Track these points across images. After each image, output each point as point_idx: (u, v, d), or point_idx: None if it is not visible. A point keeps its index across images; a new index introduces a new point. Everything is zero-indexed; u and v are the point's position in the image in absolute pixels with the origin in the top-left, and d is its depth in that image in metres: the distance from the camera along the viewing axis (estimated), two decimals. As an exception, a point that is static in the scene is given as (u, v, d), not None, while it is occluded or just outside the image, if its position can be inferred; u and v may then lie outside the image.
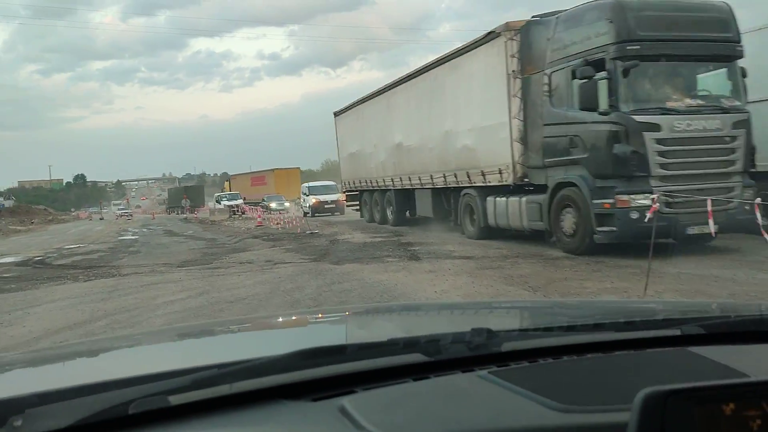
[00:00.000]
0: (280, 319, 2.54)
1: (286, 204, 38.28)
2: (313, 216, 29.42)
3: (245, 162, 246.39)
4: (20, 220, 53.13)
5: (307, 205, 34.05)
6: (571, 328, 1.43)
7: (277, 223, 24.07)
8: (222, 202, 41.11)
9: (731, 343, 1.31)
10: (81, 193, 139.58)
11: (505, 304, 3.10)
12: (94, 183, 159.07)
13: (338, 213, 31.32)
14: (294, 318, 2.51)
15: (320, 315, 2.63)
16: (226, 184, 63.18)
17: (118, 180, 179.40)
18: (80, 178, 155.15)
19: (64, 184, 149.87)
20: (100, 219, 58.84)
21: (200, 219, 39.60)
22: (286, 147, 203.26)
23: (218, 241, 18.66)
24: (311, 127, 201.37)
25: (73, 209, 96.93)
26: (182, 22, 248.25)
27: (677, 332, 1.35)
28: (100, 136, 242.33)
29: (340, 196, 32.40)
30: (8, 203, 78.41)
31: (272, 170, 50.95)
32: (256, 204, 40.22)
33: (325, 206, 32.97)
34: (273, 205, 37.18)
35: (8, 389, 1.09)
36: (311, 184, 37.04)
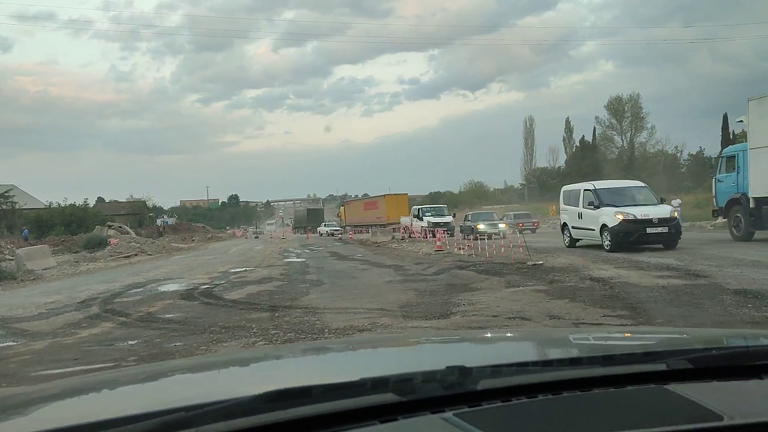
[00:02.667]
0: (252, 356, 2.37)
1: (501, 226, 30.28)
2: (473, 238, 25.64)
3: (384, 183, 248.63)
4: (182, 237, 54.00)
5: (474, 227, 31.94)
6: (546, 364, 1.47)
7: (461, 249, 20.17)
8: (425, 218, 35.68)
9: (716, 378, 1.28)
10: (234, 212, 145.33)
11: (479, 338, 2.58)
12: (246, 203, 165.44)
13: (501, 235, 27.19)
14: (265, 355, 2.34)
15: (293, 352, 2.43)
16: (342, 209, 68.31)
17: (268, 200, 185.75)
18: (234, 199, 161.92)
19: (220, 203, 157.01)
20: (255, 238, 58.82)
21: (360, 240, 36.89)
22: (422, 169, 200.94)
23: (410, 270, 15.01)
24: (449, 150, 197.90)
25: (228, 227, 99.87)
26: (327, 50, 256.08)
27: (659, 367, 1.30)
28: (251, 159, 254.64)
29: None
30: (171, 221, 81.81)
31: (383, 196, 54.86)
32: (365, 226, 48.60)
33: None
34: (481, 226, 29.00)
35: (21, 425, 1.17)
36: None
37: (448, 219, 35.75)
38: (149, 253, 32.02)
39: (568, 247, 18.86)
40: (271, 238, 54.34)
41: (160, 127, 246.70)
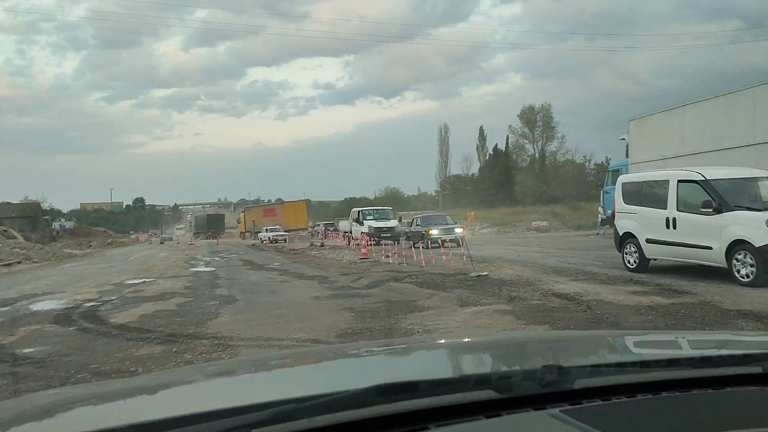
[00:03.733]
0: (352, 352, 2.23)
1: (458, 231, 25.31)
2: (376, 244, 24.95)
3: (298, 188, 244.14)
4: (78, 243, 49.42)
5: (361, 231, 29.99)
6: (645, 365, 1.43)
7: (388, 256, 18.49)
8: (365, 222, 32.04)
9: None
10: (140, 216, 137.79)
11: (575, 337, 2.73)
12: (153, 207, 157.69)
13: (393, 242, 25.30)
14: (365, 351, 2.21)
15: (390, 348, 2.35)
16: (241, 215, 68.43)
17: (176, 204, 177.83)
18: (139, 202, 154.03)
19: (124, 207, 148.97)
20: (161, 243, 55.07)
21: (275, 246, 34.57)
22: (337, 174, 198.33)
23: (337, 282, 13.13)
24: (364, 156, 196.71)
25: (132, 232, 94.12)
26: (241, 51, 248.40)
27: (758, 370, 1.27)
28: (159, 161, 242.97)
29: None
30: (69, 224, 75.97)
31: (282, 203, 56.84)
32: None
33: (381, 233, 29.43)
34: (435, 232, 24.63)
35: (96, 421, 1.16)
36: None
37: (393, 223, 31.68)
38: (35, 260, 28.49)
39: (632, 270, 11.69)
40: (178, 243, 51.03)
41: (60, 126, 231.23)
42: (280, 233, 43.69)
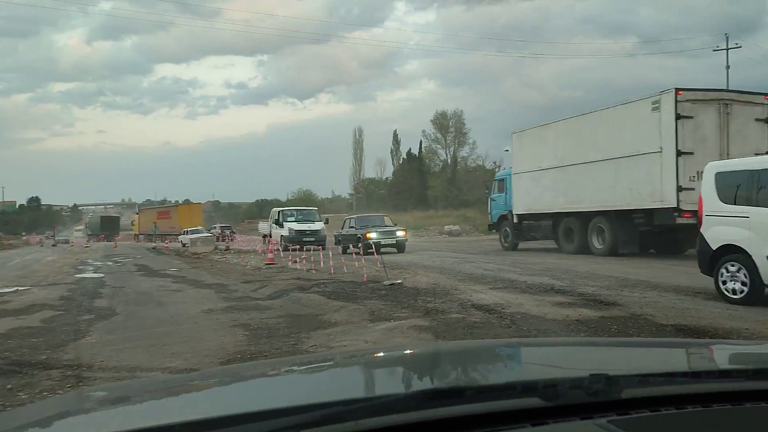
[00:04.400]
0: (397, 355, 2.21)
1: (401, 234, 22.59)
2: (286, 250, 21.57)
3: (208, 189, 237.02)
4: (-45, 245, 45.06)
5: (283, 235, 26.53)
6: (695, 375, 1.39)
7: (296, 262, 17.31)
8: (286, 224, 27.84)
9: None
10: (34, 217, 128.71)
11: (622, 344, 2.66)
12: (49, 206, 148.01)
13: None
14: (408, 354, 2.25)
15: (435, 352, 2.33)
16: (136, 217, 67.38)
17: (75, 204, 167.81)
18: (34, 201, 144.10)
19: (18, 206, 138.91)
20: (53, 246, 51.10)
21: (175, 250, 32.49)
22: (249, 176, 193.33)
23: (237, 291, 11.87)
24: (276, 157, 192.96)
25: (24, 233, 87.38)
26: (149, 47, 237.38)
27: None
28: (58, 158, 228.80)
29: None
30: (-50, 224, 69.69)
31: (176, 205, 58.21)
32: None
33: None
34: (374, 235, 21.66)
35: (147, 418, 1.17)
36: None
37: (319, 226, 27.35)
38: None
39: (735, 301, 7.87)
40: (72, 246, 47.45)
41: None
42: (204, 236, 39.59)
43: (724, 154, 14.10)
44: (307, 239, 24.87)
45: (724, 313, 7.19)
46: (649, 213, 15.15)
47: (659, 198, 14.55)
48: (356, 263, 14.16)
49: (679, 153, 14.08)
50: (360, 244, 19.35)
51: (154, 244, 42.80)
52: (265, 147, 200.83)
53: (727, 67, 36.79)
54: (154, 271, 18.84)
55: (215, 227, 47.55)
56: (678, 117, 14.11)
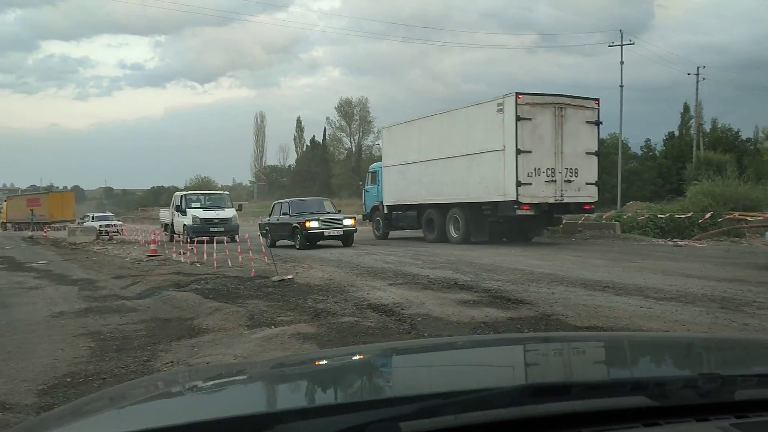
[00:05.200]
0: (496, 343, 2.19)
1: (348, 222, 18.17)
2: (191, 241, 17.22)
3: (100, 174, 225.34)
4: None
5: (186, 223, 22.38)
6: None
7: (182, 254, 15.76)
8: (189, 212, 23.11)
9: None
10: None
11: (733, 341, 2.51)
12: None
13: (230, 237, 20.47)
14: (510, 341, 2.30)
15: (532, 343, 2.16)
16: (4, 205, 63.62)
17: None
18: None
19: None
20: None
21: (55, 239, 29.70)
22: (145, 161, 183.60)
23: (104, 288, 10.37)
24: (174, 143, 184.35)
25: None
26: (34, 22, 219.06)
27: None
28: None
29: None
30: None
31: (47, 193, 54.44)
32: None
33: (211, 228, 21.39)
34: (314, 224, 17.38)
35: (258, 406, 1.18)
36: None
37: (230, 213, 23.45)
38: None
39: None
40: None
41: None
42: (113, 223, 34.85)
43: (559, 153, 15.79)
44: (216, 229, 21.37)
45: (640, 312, 6.61)
46: (495, 205, 16.28)
47: (502, 192, 15.74)
48: (250, 254, 12.81)
49: (518, 151, 15.34)
50: (298, 236, 17.25)
51: (30, 233, 39.16)
52: (162, 132, 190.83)
53: (621, 62, 37.95)
54: (19, 264, 16.76)
55: (87, 216, 43.02)
56: (518, 119, 15.32)
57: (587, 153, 16.25)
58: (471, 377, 1.43)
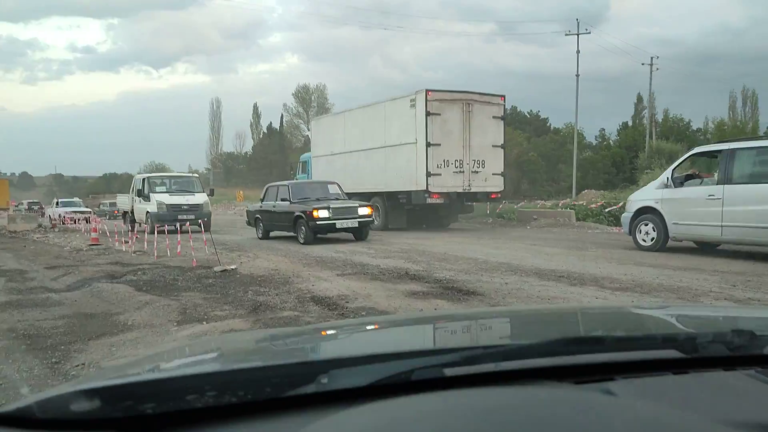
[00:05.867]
0: (533, 311, 2.46)
1: (364, 211, 14.89)
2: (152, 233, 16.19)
3: (49, 160, 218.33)
4: None
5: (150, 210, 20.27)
6: None
7: (126, 242, 15.01)
8: (154, 197, 20.48)
9: None
10: None
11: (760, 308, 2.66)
12: None
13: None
14: (546, 310, 2.46)
15: (569, 310, 2.45)
16: None
17: None
18: None
19: None
20: None
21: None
22: (97, 147, 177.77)
23: (34, 280, 9.66)
24: (128, 129, 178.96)
25: None
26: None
27: None
28: None
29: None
30: None
31: None
32: None
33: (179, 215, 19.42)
34: (323, 213, 14.29)
35: (313, 355, 1.29)
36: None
37: (200, 198, 20.84)
38: None
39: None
40: None
41: None
42: (80, 210, 30.86)
43: (466, 146, 17.05)
44: (185, 216, 18.97)
45: (596, 304, 6.33)
46: (409, 194, 17.34)
47: (415, 182, 16.85)
48: (191, 243, 12.17)
49: (428, 144, 16.52)
50: (303, 228, 14.24)
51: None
52: (115, 117, 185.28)
53: (578, 51, 38.10)
54: (-54, 254, 15.73)
55: (22, 204, 40.79)
56: (428, 114, 16.45)
57: (493, 146, 17.43)
58: (512, 336, 1.51)
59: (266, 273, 9.16)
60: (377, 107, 18.90)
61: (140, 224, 19.99)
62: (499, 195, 18.42)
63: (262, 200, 16.96)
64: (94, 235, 16.63)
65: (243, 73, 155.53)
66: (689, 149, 38.00)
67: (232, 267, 9.81)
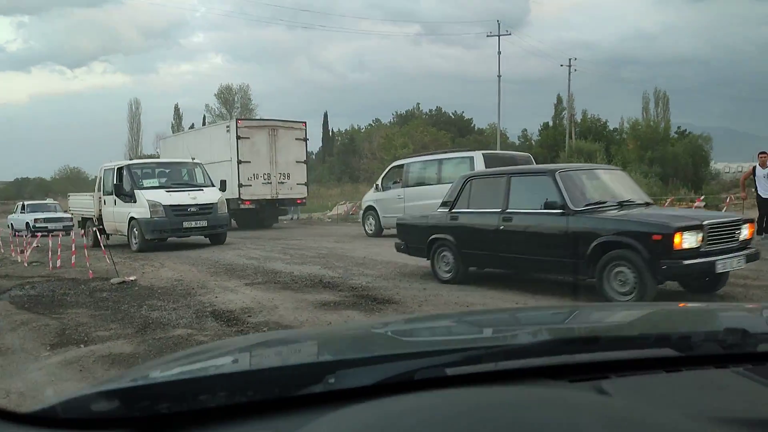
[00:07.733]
0: (528, 312, 2.40)
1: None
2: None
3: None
4: None
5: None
6: None
7: (23, 251, 13.83)
8: (143, 193, 13.90)
9: None
10: None
11: (747, 309, 2.41)
12: None
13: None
14: (543, 309, 2.45)
15: (568, 310, 2.33)
16: None
17: None
18: None
19: None
20: None
21: None
22: (6, 151, 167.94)
23: None
24: (41, 131, 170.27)
25: None
26: None
27: None
28: None
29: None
30: None
31: None
32: None
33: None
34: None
35: (320, 356, 1.31)
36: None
37: (213, 196, 14.63)
38: None
39: None
40: None
41: None
42: (59, 216, 24.22)
43: (273, 162, 20.61)
44: (193, 224, 13.76)
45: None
46: (230, 201, 19.41)
47: (232, 192, 19.47)
48: (110, 259, 11.15)
49: (239, 161, 20.06)
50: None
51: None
52: (26, 119, 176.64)
53: (499, 52, 38.68)
54: None
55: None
56: (239, 138, 20.09)
57: (297, 161, 21.21)
58: (510, 336, 1.53)
59: (168, 284, 8.45)
60: (204, 131, 24.76)
61: (107, 236, 14.21)
62: (305, 200, 22.45)
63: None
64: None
65: (164, 74, 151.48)
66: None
67: (132, 278, 9.02)
